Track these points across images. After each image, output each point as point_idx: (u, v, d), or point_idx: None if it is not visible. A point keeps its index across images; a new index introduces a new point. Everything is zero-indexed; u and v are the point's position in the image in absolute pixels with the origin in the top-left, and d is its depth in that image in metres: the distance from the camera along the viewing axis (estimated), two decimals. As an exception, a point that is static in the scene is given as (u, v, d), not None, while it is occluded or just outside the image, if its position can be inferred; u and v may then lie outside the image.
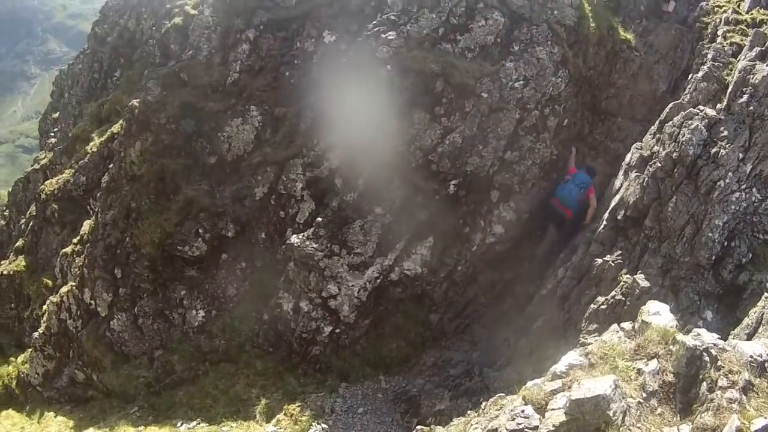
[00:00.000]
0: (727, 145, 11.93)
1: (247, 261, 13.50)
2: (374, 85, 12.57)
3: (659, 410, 5.29)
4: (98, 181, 17.63)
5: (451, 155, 12.03)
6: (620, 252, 11.44)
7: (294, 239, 12.35)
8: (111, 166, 16.32)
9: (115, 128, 18.41)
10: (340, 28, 14.01)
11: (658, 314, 6.58)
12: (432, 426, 7.01)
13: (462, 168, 12.08)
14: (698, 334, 5.94)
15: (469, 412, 7.57)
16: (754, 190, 11.87)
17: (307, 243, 12.17)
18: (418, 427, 7.34)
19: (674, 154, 11.97)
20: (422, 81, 12.40)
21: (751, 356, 5.78)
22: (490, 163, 12.16)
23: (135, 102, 15.41)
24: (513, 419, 5.24)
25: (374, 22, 13.44)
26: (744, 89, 12.47)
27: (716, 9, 14.98)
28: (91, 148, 19.51)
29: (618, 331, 6.73)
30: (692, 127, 12.07)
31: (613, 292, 10.76)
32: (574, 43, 13.16)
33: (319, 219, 12.31)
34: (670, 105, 12.52)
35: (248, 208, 13.48)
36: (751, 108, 12.22)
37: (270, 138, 13.83)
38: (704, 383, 5.36)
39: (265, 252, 13.30)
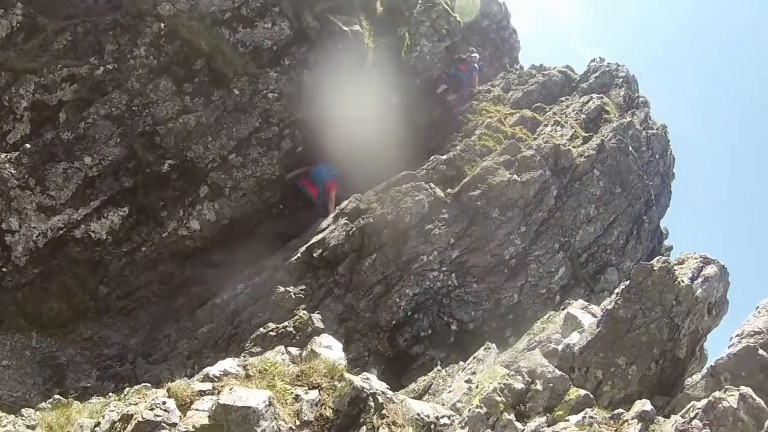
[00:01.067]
0: (442, 227, 12.77)
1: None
2: (139, 37, 11.97)
3: (310, 443, 5.01)
4: None
5: (179, 135, 11.75)
6: (305, 287, 11.60)
7: (-5, 157, 11.17)
8: None
9: None
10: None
11: (330, 348, 6.55)
12: (70, 400, 6.40)
13: (184, 152, 11.84)
14: (368, 378, 5.85)
15: (110, 394, 7.05)
16: (453, 275, 12.43)
17: (7, 166, 11.06)
18: (57, 397, 6.72)
19: (390, 216, 12.58)
20: (185, 53, 12.05)
21: (419, 414, 5.82)
22: (212, 157, 12.08)
23: None
24: (152, 409, 4.76)
25: (174, -24, 12.81)
26: (479, 185, 13.47)
27: (484, 112, 16.43)
28: None
29: (283, 353, 6.60)
30: (417, 198, 12.75)
31: (286, 323, 10.62)
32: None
33: (28, 146, 11.24)
34: (404, 173, 13.28)
35: (-38, 112, 11.96)
36: (479, 204, 13.18)
37: (20, 43, 12.37)
38: (364, 427, 5.24)
39: (-37, 165, 11.84)
